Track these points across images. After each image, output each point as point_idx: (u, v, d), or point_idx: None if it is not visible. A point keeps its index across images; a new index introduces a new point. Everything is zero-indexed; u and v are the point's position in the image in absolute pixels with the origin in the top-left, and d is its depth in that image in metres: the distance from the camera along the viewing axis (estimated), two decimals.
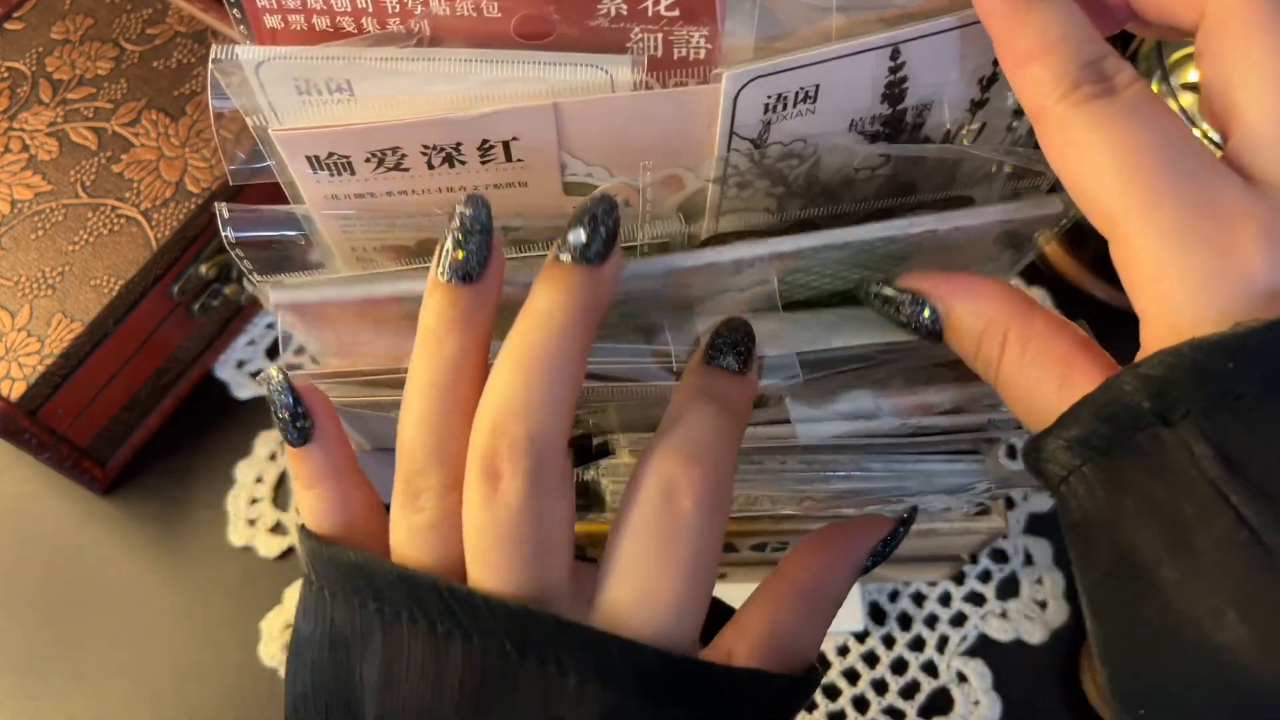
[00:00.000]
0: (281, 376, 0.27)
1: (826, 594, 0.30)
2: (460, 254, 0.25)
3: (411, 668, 0.24)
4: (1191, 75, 0.53)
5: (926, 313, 0.27)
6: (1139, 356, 0.22)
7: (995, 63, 0.28)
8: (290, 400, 0.27)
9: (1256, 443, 0.20)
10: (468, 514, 0.24)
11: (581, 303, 0.25)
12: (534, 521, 0.24)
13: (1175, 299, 0.21)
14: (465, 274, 0.25)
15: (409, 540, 0.26)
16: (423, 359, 0.25)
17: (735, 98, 0.26)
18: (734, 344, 0.27)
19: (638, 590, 0.24)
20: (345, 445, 0.28)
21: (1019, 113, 0.31)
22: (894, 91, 0.28)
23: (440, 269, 0.25)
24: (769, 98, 0.26)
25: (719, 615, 0.29)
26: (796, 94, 0.27)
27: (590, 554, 0.46)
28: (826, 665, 0.55)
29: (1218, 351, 0.21)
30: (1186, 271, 0.21)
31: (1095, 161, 0.22)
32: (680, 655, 0.24)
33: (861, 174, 0.31)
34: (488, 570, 0.24)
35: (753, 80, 0.26)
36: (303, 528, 0.28)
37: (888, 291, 0.29)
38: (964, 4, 0.25)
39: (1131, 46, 0.54)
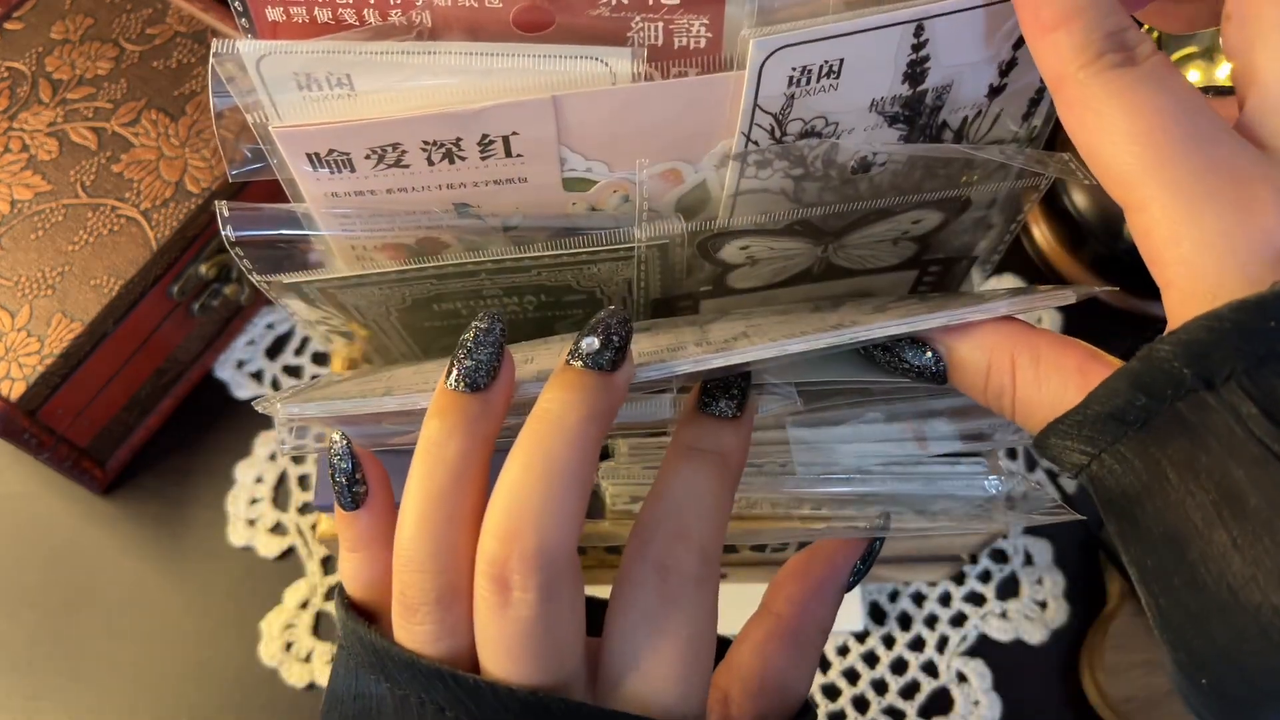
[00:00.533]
0: (344, 442, 0.27)
1: (812, 624, 0.30)
2: (469, 363, 0.25)
3: None
4: (1192, 75, 0.53)
5: (928, 354, 0.27)
6: (1169, 325, 0.22)
7: (1015, 47, 0.28)
8: (349, 466, 0.27)
9: None
10: (479, 617, 0.24)
11: (594, 407, 0.25)
12: (546, 631, 0.24)
13: (1199, 263, 0.21)
14: (473, 383, 0.25)
15: (411, 644, 0.26)
16: (423, 465, 0.25)
17: (760, 68, 0.26)
18: (727, 387, 0.27)
19: (637, 672, 0.25)
20: (392, 514, 0.28)
21: (1034, 101, 0.31)
22: (915, 71, 0.28)
23: (449, 378, 0.26)
24: (794, 70, 0.26)
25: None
26: (820, 68, 0.26)
27: (589, 553, 0.46)
28: (826, 666, 0.55)
29: (1259, 311, 0.20)
30: (1207, 233, 0.21)
31: (1113, 126, 0.22)
32: None
33: (879, 157, 0.31)
34: (500, 671, 0.24)
35: (778, 50, 0.26)
36: (340, 590, 0.28)
37: (886, 342, 0.28)
38: None
39: None
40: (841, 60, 0.27)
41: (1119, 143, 0.22)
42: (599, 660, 0.25)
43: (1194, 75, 0.53)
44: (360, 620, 0.26)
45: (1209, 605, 0.21)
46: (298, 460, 0.59)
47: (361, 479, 0.27)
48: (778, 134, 0.29)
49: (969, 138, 0.31)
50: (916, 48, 0.27)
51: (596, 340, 0.25)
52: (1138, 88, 0.22)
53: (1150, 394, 0.22)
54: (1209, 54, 0.53)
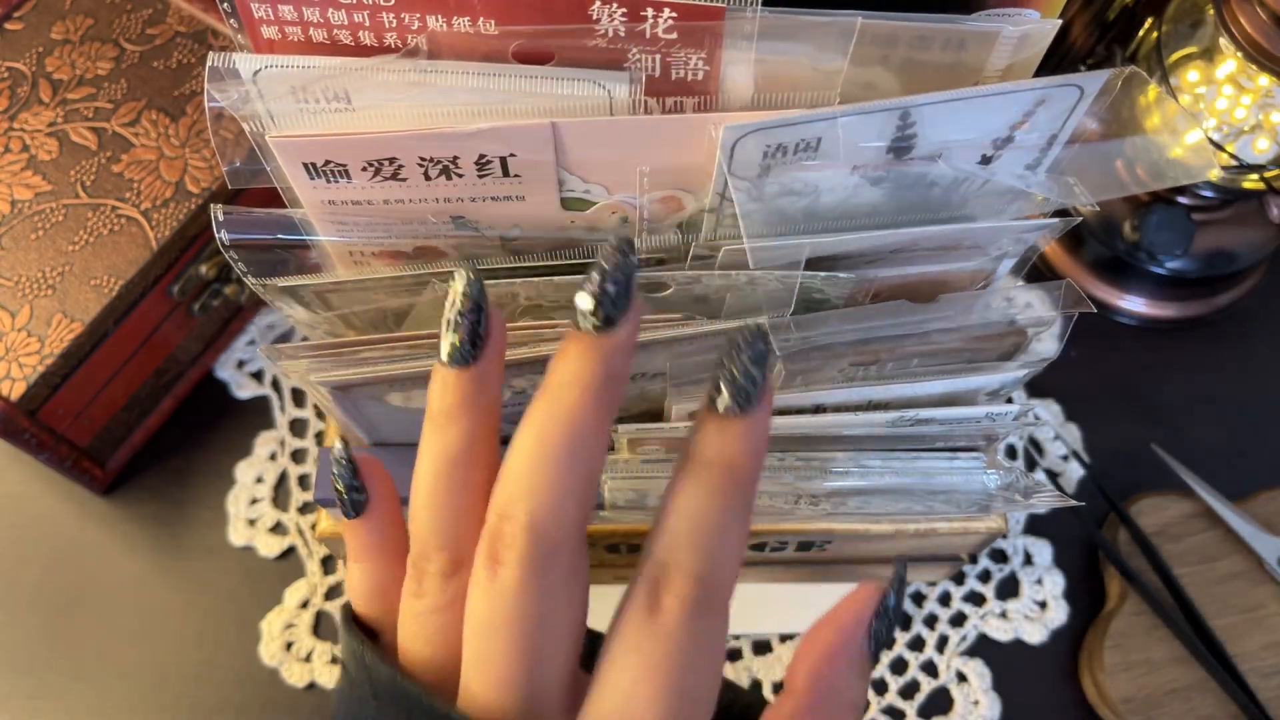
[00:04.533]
0: (343, 448, 0.26)
1: (834, 699, 0.26)
2: (455, 339, 0.24)
3: None
4: (1191, 75, 0.53)
5: None
6: None
7: (1012, 127, 0.28)
8: (348, 473, 0.26)
9: None
10: (468, 600, 0.23)
11: (596, 377, 0.23)
12: (528, 612, 0.22)
13: None
14: (461, 358, 0.24)
15: (413, 624, 0.25)
16: (428, 443, 0.25)
17: (732, 147, 0.26)
18: (732, 379, 0.23)
19: (618, 714, 0.22)
20: (398, 523, 0.27)
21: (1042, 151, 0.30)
22: (901, 145, 0.27)
23: (440, 352, 0.24)
24: (768, 146, 0.26)
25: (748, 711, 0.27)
26: (797, 144, 0.26)
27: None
28: None
29: None
30: None
31: None
32: None
33: (862, 209, 0.31)
34: (478, 662, 0.23)
35: (749, 134, 0.25)
36: (345, 606, 0.27)
37: None
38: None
39: (1130, 47, 0.54)
40: (819, 139, 0.26)
41: None
42: (589, 688, 0.23)
43: (1193, 75, 0.53)
44: (358, 635, 0.26)
45: None
46: (298, 460, 0.59)
47: (360, 486, 0.26)
48: (754, 193, 0.28)
49: (959, 194, 0.31)
50: (903, 126, 0.26)
51: (590, 298, 0.23)
52: None
53: None
54: (1208, 54, 0.53)
